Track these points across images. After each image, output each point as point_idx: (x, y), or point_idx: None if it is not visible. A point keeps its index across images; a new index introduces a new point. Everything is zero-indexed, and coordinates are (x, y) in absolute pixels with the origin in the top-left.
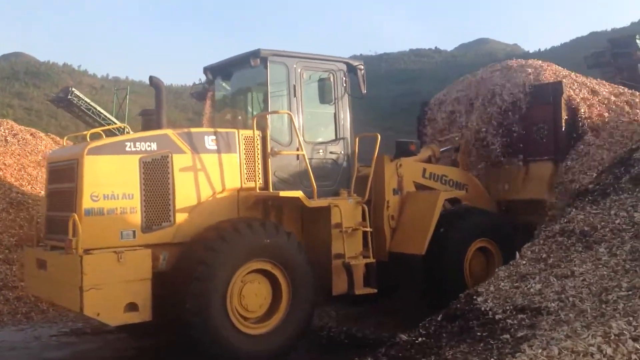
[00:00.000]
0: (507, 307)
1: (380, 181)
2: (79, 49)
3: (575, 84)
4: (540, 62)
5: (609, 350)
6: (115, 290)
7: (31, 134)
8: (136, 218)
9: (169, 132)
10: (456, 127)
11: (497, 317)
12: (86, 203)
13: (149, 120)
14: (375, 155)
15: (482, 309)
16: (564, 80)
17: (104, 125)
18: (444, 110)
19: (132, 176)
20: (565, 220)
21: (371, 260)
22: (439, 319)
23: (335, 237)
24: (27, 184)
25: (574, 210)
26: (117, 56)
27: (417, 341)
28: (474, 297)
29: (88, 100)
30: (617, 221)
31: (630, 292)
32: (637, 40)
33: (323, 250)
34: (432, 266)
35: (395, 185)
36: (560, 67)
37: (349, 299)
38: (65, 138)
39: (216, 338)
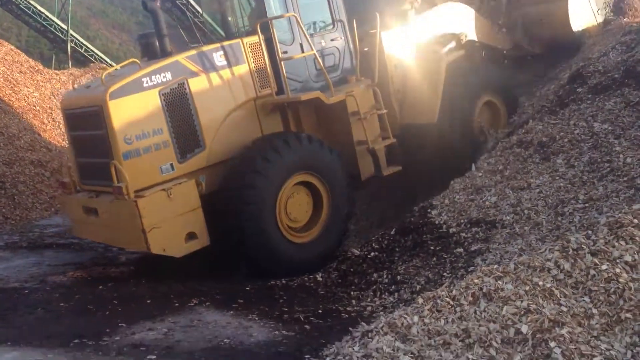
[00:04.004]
0: (462, 221)
1: (382, 58)
2: None
3: None
4: None
5: (567, 266)
6: (173, 225)
7: None
8: (170, 151)
9: (179, 58)
10: None
11: (451, 230)
12: (122, 147)
13: (148, 44)
14: (378, 33)
15: (436, 222)
16: None
17: (45, 27)
18: None
19: (157, 111)
20: (523, 131)
21: (392, 140)
22: (392, 233)
23: (355, 125)
24: None
25: (532, 121)
26: None
27: (369, 256)
28: (428, 210)
29: None
30: (576, 131)
31: (587, 205)
32: None
33: (345, 141)
34: (444, 131)
35: (395, 60)
36: None
37: None
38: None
39: (271, 252)
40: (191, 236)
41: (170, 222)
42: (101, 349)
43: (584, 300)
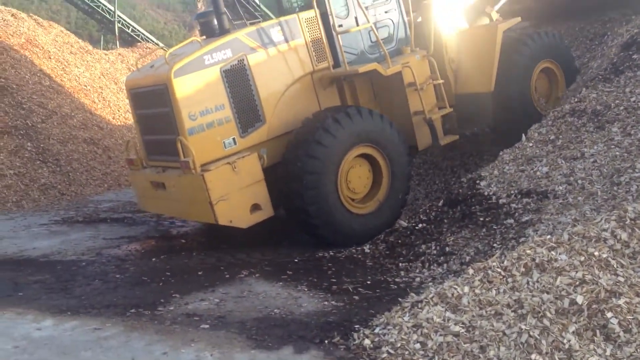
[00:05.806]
0: (512, 192)
1: (436, 28)
2: None
3: None
4: None
5: (624, 235)
6: (238, 197)
7: (12, 15)
8: (232, 126)
9: (238, 35)
10: None
11: (500, 201)
12: (187, 123)
13: (206, 23)
14: (431, 3)
15: (486, 193)
16: None
17: (93, 8)
18: None
19: (218, 87)
20: (576, 99)
21: (448, 110)
22: (439, 204)
23: (411, 96)
24: (10, 67)
25: (585, 89)
26: None
27: (417, 227)
28: (477, 181)
29: None
30: (632, 99)
31: None
32: None
33: (401, 112)
34: (501, 99)
35: (449, 29)
36: None
37: None
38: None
39: (333, 221)
40: (256, 207)
41: (236, 194)
42: (156, 318)
43: None
